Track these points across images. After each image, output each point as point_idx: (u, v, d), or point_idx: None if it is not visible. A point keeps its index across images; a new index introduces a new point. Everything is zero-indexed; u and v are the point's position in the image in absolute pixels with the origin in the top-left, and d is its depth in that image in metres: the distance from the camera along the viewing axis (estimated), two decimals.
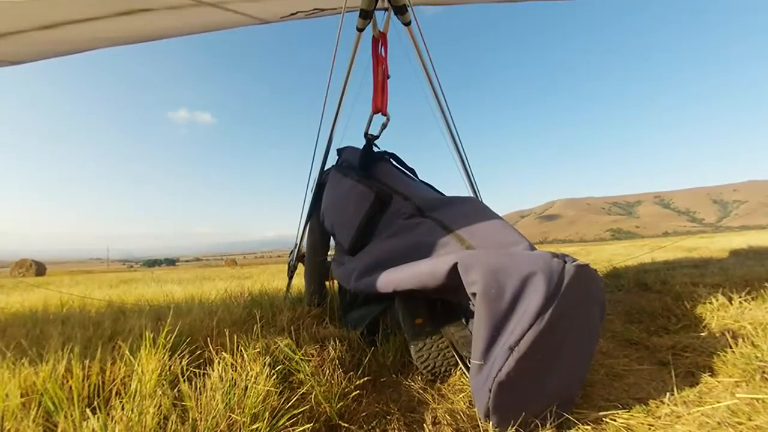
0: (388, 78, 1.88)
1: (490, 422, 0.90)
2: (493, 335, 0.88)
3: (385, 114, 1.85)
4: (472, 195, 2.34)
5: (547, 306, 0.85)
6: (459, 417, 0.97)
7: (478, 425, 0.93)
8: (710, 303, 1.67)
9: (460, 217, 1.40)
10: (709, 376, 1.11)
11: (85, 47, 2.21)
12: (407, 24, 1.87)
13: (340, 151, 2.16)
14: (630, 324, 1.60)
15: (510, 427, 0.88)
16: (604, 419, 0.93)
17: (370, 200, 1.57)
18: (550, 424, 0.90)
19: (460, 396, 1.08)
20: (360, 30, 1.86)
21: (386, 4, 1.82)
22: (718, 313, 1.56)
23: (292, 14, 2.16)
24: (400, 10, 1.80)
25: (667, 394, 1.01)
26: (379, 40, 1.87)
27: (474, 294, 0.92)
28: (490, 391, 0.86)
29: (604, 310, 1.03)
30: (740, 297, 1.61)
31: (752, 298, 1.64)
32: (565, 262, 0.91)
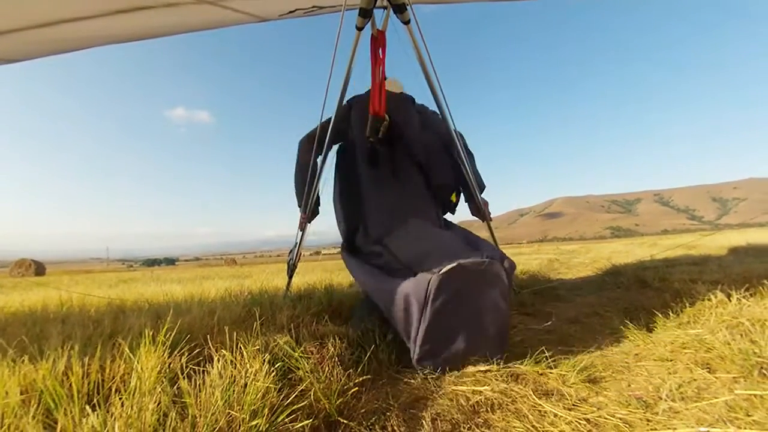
0: (385, 79, 1.88)
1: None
2: (407, 336, 1.33)
3: (382, 116, 1.85)
4: (471, 193, 2.34)
5: (423, 311, 1.25)
6: (457, 413, 0.97)
7: (476, 421, 0.93)
8: (709, 300, 1.67)
9: (402, 242, 1.70)
10: (708, 372, 1.11)
11: (82, 45, 2.21)
12: (406, 23, 1.87)
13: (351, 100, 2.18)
14: (629, 321, 1.60)
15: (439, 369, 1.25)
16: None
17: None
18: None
19: (460, 392, 1.09)
20: (359, 29, 1.86)
21: (385, 3, 1.82)
22: (716, 309, 1.56)
23: (291, 12, 2.16)
24: (399, 9, 1.79)
25: (666, 390, 1.01)
26: (378, 38, 1.87)
27: None
28: (416, 362, 1.27)
29: (504, 284, 1.32)
30: (739, 294, 1.61)
31: (751, 295, 1.64)
32: (432, 275, 1.23)
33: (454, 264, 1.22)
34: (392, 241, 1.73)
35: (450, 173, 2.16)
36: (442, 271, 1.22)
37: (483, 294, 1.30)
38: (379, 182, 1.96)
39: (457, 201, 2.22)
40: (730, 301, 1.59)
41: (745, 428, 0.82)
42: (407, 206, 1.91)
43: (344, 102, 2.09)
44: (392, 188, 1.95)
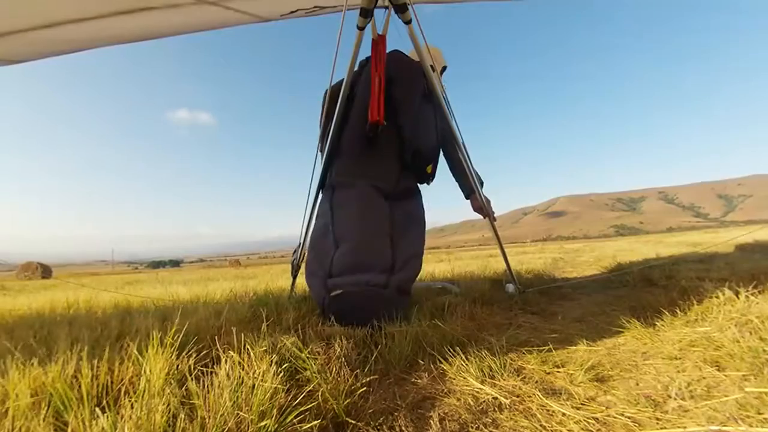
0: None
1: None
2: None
3: (382, 123, 1.85)
4: (472, 190, 2.35)
5: (327, 312, 1.77)
6: (465, 412, 0.97)
7: (484, 420, 0.93)
8: (716, 297, 1.66)
9: (342, 214, 2.00)
10: (717, 370, 1.10)
11: (84, 46, 2.22)
12: (408, 23, 1.86)
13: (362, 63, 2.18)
14: (635, 319, 1.59)
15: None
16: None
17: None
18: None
19: (467, 391, 1.08)
20: (361, 29, 1.85)
21: (386, 3, 1.81)
22: (724, 307, 1.55)
23: (293, 12, 2.16)
24: (401, 9, 1.79)
25: (675, 388, 1.01)
26: (378, 43, 1.86)
27: None
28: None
29: (384, 300, 1.74)
30: (747, 291, 1.60)
31: (759, 292, 1.63)
32: (327, 295, 1.77)
33: (339, 291, 1.74)
34: (340, 205, 2.01)
35: (432, 147, 2.20)
36: (332, 294, 1.75)
37: (364, 304, 1.74)
38: (359, 136, 2.03)
39: (433, 173, 2.27)
40: (738, 298, 1.58)
41: (756, 426, 0.81)
42: (371, 166, 2.06)
43: (357, 65, 2.13)
44: (367, 146, 2.04)
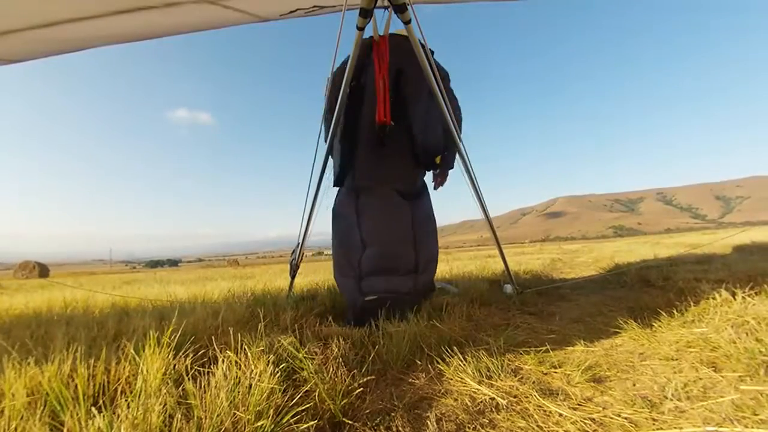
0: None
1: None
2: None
3: (388, 123, 1.86)
4: (473, 194, 2.34)
5: (353, 313, 1.92)
6: (462, 413, 0.97)
7: (481, 421, 0.93)
8: (713, 298, 1.66)
9: (370, 215, 2.06)
10: (713, 371, 1.11)
11: (83, 45, 2.21)
12: (407, 23, 1.86)
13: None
14: (633, 320, 1.59)
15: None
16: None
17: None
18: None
19: (464, 392, 1.09)
20: (360, 29, 1.85)
21: (386, 3, 1.81)
22: (721, 308, 1.55)
23: (292, 12, 2.16)
24: (400, 9, 1.78)
25: (671, 389, 1.01)
26: (380, 44, 1.86)
27: None
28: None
29: (411, 303, 1.94)
30: (744, 292, 1.61)
31: (756, 293, 1.63)
32: (360, 298, 1.94)
33: (374, 297, 1.91)
34: (365, 211, 2.05)
35: (439, 137, 2.21)
36: (366, 299, 1.92)
37: (393, 307, 1.84)
38: (373, 135, 2.01)
39: (441, 163, 2.30)
40: (735, 299, 1.58)
41: (752, 427, 0.81)
42: (391, 168, 2.09)
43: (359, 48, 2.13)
44: (382, 147, 2.03)
